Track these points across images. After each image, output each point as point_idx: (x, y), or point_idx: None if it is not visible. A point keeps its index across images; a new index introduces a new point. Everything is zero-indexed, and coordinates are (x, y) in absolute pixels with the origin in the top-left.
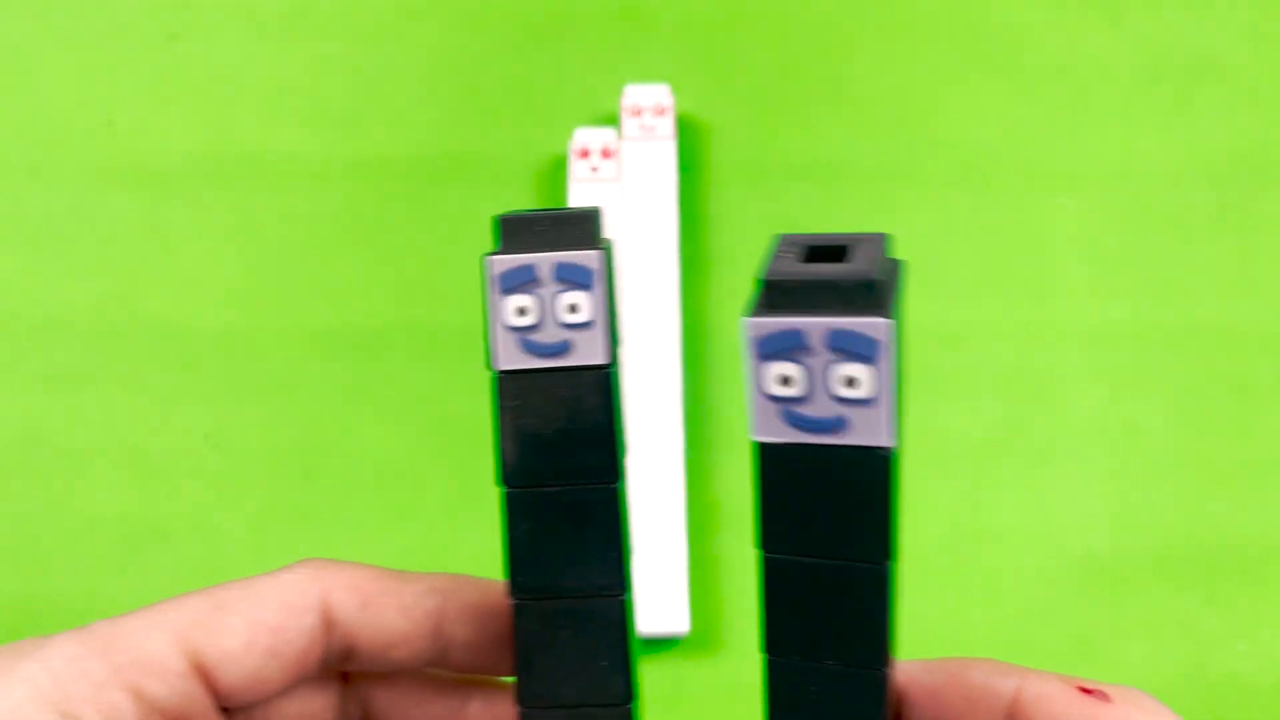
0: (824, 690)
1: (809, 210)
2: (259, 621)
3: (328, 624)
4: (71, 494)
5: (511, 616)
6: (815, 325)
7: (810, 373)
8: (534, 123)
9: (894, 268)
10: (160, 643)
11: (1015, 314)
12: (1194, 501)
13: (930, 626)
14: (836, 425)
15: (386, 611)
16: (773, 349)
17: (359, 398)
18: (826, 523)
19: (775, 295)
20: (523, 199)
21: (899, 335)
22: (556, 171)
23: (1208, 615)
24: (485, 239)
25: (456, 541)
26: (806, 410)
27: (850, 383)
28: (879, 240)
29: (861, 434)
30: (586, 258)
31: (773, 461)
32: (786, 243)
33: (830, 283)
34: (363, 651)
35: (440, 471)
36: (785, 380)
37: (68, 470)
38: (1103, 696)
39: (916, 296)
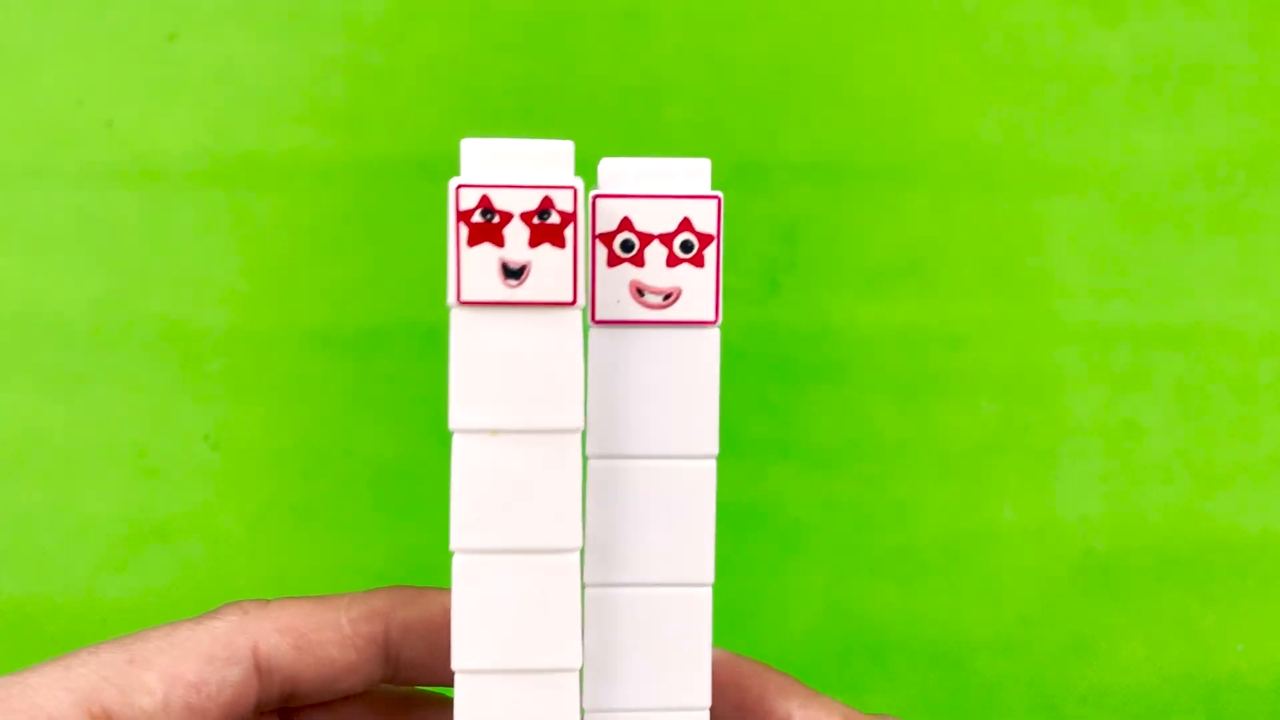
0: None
1: (809, 210)
2: (177, 677)
3: (262, 672)
4: (71, 494)
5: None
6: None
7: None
8: (534, 122)
9: None
10: (64, 703)
11: (1015, 314)
12: (1193, 501)
13: (929, 626)
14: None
15: (325, 648)
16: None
17: (359, 398)
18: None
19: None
20: None
21: None
22: None
23: (1207, 615)
24: None
25: None
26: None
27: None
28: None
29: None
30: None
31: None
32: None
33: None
34: (307, 691)
35: (440, 471)
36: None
37: (67, 470)
38: None
39: (916, 296)
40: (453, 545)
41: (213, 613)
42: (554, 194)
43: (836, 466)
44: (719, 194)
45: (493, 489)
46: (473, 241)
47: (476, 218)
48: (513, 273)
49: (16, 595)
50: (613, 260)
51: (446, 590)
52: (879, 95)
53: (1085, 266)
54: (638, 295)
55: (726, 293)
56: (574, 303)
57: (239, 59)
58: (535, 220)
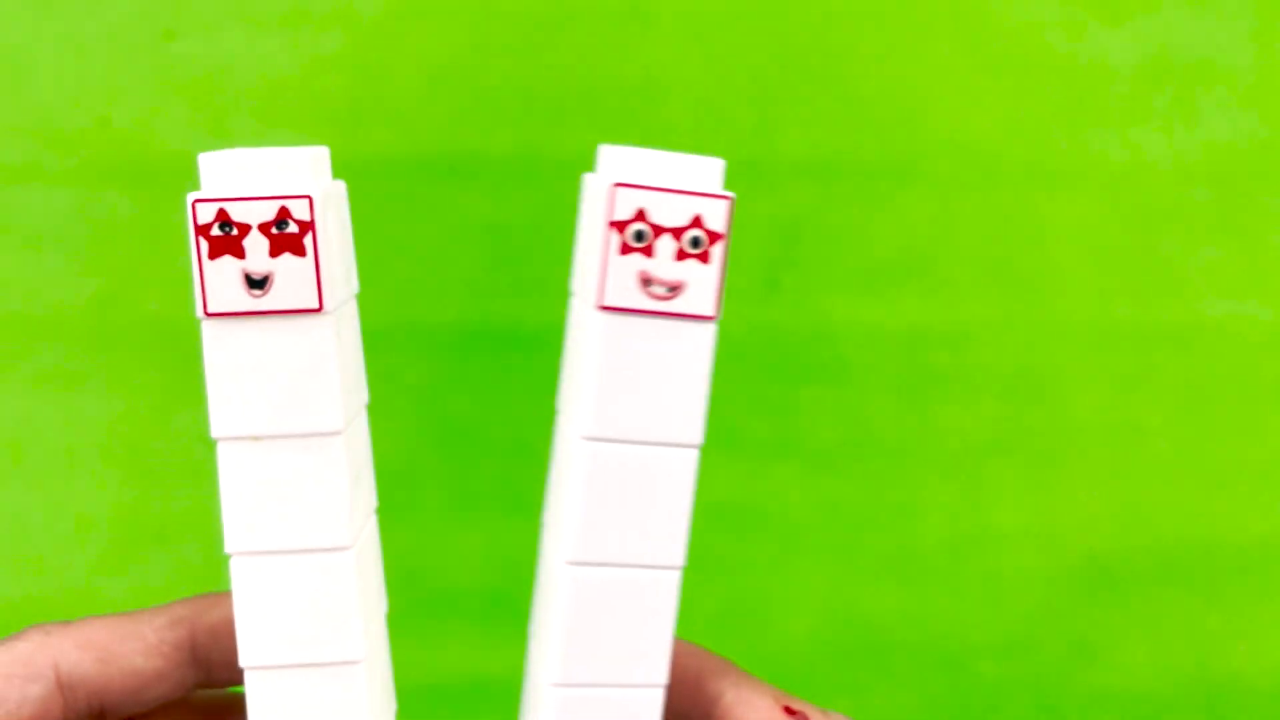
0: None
1: (809, 210)
2: None
3: (65, 688)
4: (69, 494)
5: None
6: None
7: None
8: (534, 123)
9: None
10: None
11: (1016, 313)
12: (1196, 502)
13: (930, 628)
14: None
15: (130, 658)
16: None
17: None
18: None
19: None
20: (523, 199)
21: None
22: (558, 172)
23: (1209, 616)
24: (485, 239)
25: (456, 541)
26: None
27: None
28: None
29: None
30: None
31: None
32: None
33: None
34: (117, 702)
35: (440, 472)
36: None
37: (65, 470)
38: (803, 719)
39: (916, 296)
40: (226, 548)
41: (15, 634)
42: (290, 204)
43: (836, 467)
44: (732, 195)
45: (261, 492)
46: (214, 255)
47: (215, 231)
48: (256, 283)
49: (14, 596)
50: (624, 249)
51: None
52: (879, 94)
53: (1087, 266)
54: (644, 285)
55: (726, 292)
56: (320, 309)
57: (236, 58)
58: (274, 230)
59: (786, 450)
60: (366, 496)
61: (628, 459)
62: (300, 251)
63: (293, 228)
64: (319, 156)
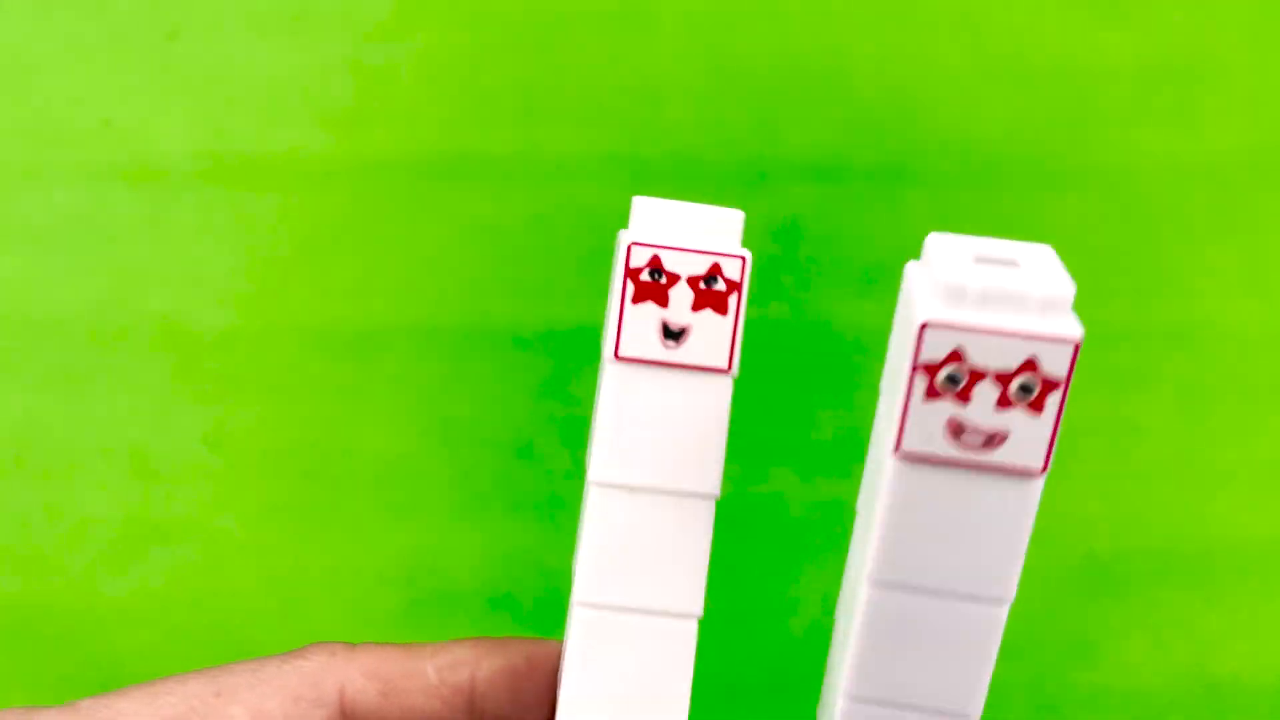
0: None
1: (809, 210)
2: (263, 714)
3: (347, 716)
4: (70, 495)
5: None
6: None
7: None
8: (534, 123)
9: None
10: None
11: None
12: (1195, 501)
13: None
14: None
15: (411, 696)
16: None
17: (359, 398)
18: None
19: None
20: (523, 199)
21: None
22: (558, 172)
23: (1208, 616)
24: (485, 239)
25: (457, 542)
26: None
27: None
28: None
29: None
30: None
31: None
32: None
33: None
34: None
35: (440, 472)
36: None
37: (66, 471)
38: None
39: None
40: (575, 598)
41: (299, 651)
42: (723, 262)
43: (837, 467)
44: (1077, 336)
45: (622, 545)
46: (637, 299)
47: (644, 276)
48: (673, 334)
49: (14, 595)
50: (932, 393)
51: (529, 639)
52: (879, 94)
53: (1086, 266)
54: (953, 435)
55: None
56: (729, 370)
57: (239, 58)
58: (701, 285)
59: (787, 450)
60: None
61: (920, 610)
62: (723, 310)
63: (720, 285)
64: (740, 220)
